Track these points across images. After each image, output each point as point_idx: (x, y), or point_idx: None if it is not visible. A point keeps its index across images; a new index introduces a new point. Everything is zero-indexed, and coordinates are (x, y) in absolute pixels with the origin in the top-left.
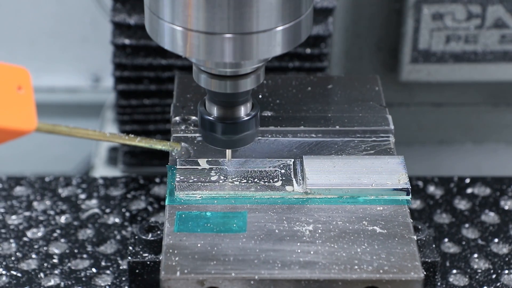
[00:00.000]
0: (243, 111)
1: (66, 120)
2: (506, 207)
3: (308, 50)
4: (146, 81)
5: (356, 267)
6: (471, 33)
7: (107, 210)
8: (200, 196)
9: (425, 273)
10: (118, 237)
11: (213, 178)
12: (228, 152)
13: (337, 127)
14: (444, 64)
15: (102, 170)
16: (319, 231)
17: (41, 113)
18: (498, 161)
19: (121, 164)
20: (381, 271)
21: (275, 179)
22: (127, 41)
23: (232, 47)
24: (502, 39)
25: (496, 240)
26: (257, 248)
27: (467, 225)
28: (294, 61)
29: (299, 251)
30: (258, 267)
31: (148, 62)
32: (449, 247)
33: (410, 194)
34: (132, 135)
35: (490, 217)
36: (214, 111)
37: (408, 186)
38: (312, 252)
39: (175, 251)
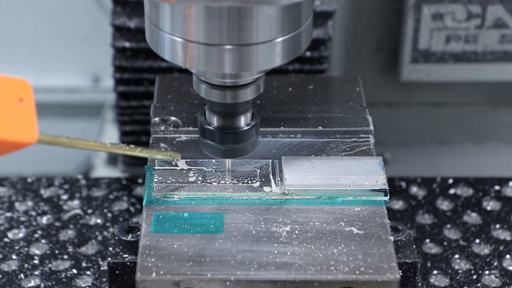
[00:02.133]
0: (243, 121)
1: (66, 120)
2: (488, 208)
3: (308, 53)
4: (146, 83)
5: (332, 268)
6: (471, 33)
7: (89, 211)
8: (177, 197)
9: (401, 274)
10: (100, 238)
11: (191, 179)
12: (228, 161)
13: (318, 127)
14: (444, 64)
15: (102, 170)
16: (296, 232)
17: (41, 113)
18: (498, 161)
19: (121, 164)
20: (357, 272)
21: (254, 180)
22: (127, 44)
23: (232, 58)
24: (502, 39)
25: (477, 240)
26: (233, 249)
27: (449, 226)
28: (294, 64)
29: (275, 252)
30: (234, 268)
31: (148, 64)
32: (431, 247)
33: (388, 195)
34: (133, 146)
35: (472, 217)
36: (214, 121)
37: (386, 186)
38: (288, 253)
39: (152, 252)
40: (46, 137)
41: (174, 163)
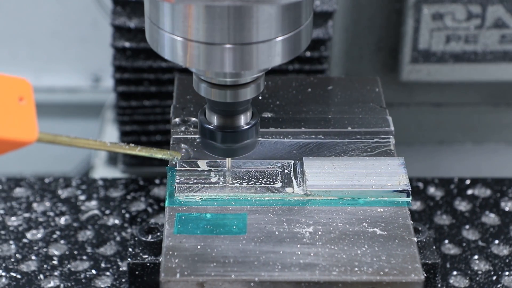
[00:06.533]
0: (243, 120)
1: (66, 120)
2: (507, 209)
3: (308, 53)
4: (146, 83)
5: (356, 269)
6: (471, 33)
7: (107, 212)
8: (200, 197)
9: (425, 275)
10: (118, 238)
11: (213, 180)
12: (228, 160)
13: (340, 128)
14: (444, 64)
15: (102, 170)
16: (319, 232)
17: (41, 113)
18: (498, 162)
19: (121, 164)
20: (381, 273)
21: (275, 181)
22: (127, 44)
23: (232, 57)
24: (502, 39)
25: (496, 241)
26: (257, 250)
27: (467, 227)
28: (294, 64)
29: (299, 253)
30: (258, 269)
31: (148, 64)
32: (450, 248)
33: (411, 196)
34: (133, 145)
35: (490, 218)
36: (214, 120)
37: (409, 187)
38: (312, 254)
39: (175, 253)
40: (46, 136)
41: (174, 162)
